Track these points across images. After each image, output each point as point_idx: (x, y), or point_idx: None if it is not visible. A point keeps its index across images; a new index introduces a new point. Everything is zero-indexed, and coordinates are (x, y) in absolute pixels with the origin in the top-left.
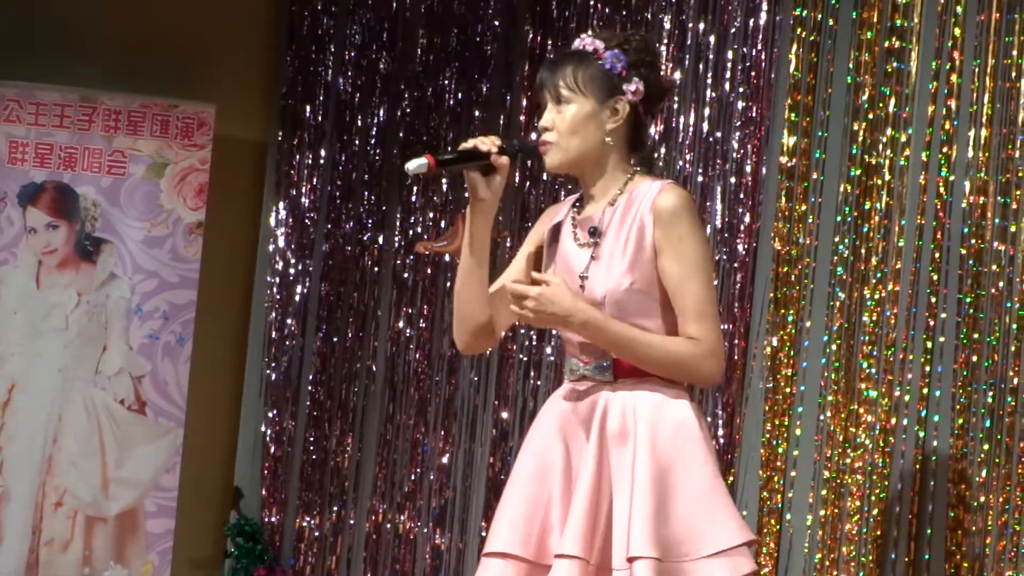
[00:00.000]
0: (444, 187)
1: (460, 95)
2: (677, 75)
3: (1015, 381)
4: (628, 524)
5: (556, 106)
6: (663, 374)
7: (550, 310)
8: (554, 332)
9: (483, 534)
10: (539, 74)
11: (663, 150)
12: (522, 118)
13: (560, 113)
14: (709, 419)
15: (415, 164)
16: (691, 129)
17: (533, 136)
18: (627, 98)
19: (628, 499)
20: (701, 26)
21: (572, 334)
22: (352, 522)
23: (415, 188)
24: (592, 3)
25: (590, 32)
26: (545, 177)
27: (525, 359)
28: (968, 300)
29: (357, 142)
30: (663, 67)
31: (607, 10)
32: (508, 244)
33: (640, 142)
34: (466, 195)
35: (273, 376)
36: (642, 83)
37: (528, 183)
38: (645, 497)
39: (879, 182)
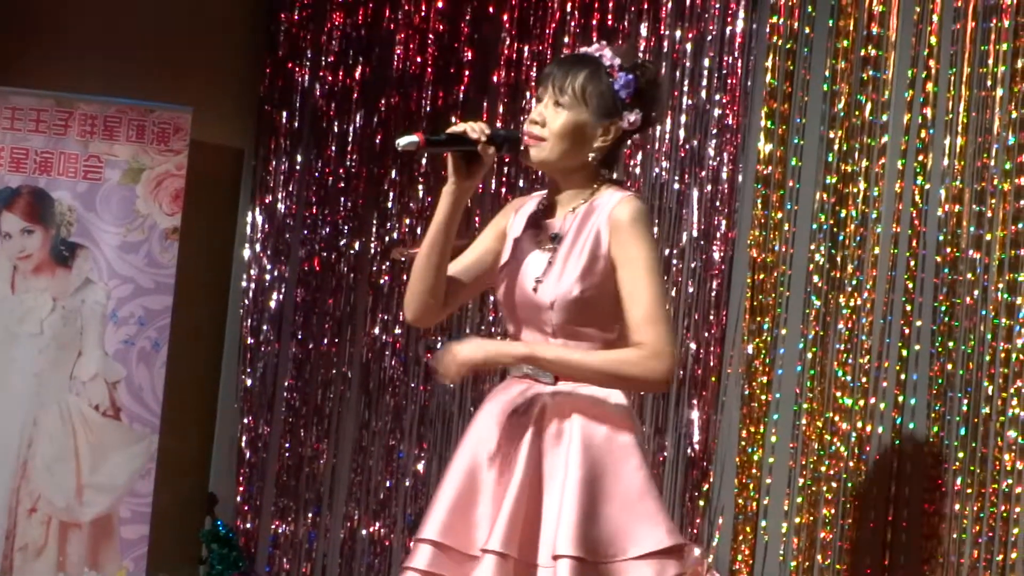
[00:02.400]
0: (420, 193)
1: (437, 102)
2: None
3: (990, 390)
4: (556, 524)
5: (555, 107)
6: (609, 387)
7: (491, 347)
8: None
9: None
10: (550, 66)
11: (639, 157)
12: (499, 124)
13: (556, 114)
14: (685, 426)
15: (406, 140)
16: (667, 136)
17: (522, 126)
18: (622, 124)
19: (558, 500)
20: (678, 33)
21: (519, 331)
22: (327, 528)
23: (391, 194)
24: (569, 11)
25: (609, 43)
26: (522, 184)
27: (501, 367)
28: (943, 308)
29: (333, 148)
30: (662, 103)
31: (583, 19)
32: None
33: (612, 163)
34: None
35: (249, 382)
36: (640, 115)
37: (504, 191)
38: (575, 498)
39: (855, 190)
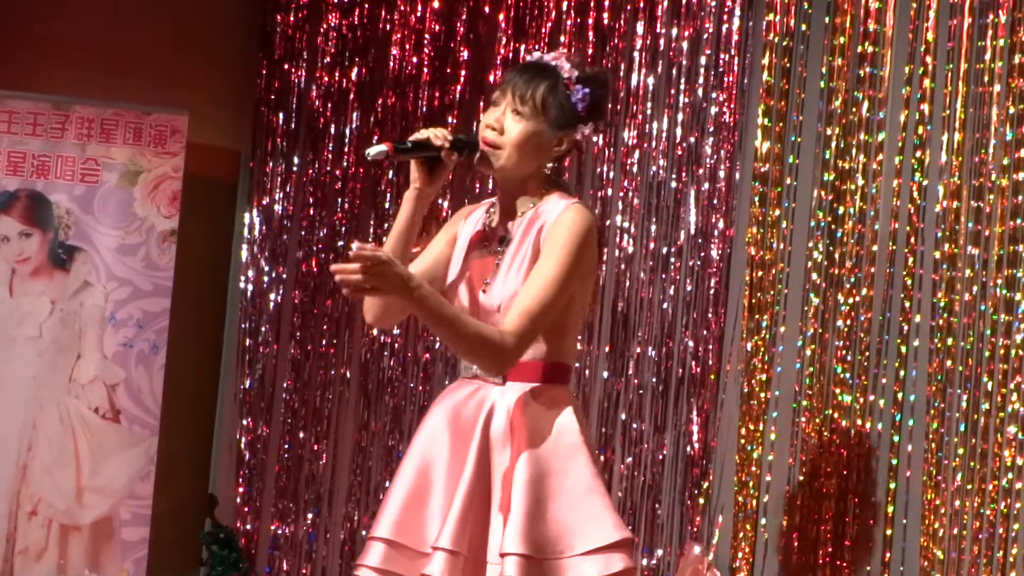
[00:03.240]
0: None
1: (433, 102)
2: (651, 80)
3: (989, 386)
4: (504, 521)
5: (514, 115)
6: (459, 354)
7: (396, 270)
8: None
9: None
10: (511, 73)
11: (637, 155)
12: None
13: (515, 124)
14: (684, 424)
15: (375, 150)
16: (664, 135)
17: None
18: (576, 137)
19: (507, 498)
20: (674, 31)
21: None
22: (327, 529)
23: (388, 195)
24: (565, 9)
25: (567, 54)
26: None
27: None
28: (942, 305)
29: (330, 149)
30: (606, 118)
31: (579, 18)
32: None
33: (559, 170)
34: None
35: (247, 384)
36: (592, 130)
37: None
38: (522, 497)
39: (852, 187)
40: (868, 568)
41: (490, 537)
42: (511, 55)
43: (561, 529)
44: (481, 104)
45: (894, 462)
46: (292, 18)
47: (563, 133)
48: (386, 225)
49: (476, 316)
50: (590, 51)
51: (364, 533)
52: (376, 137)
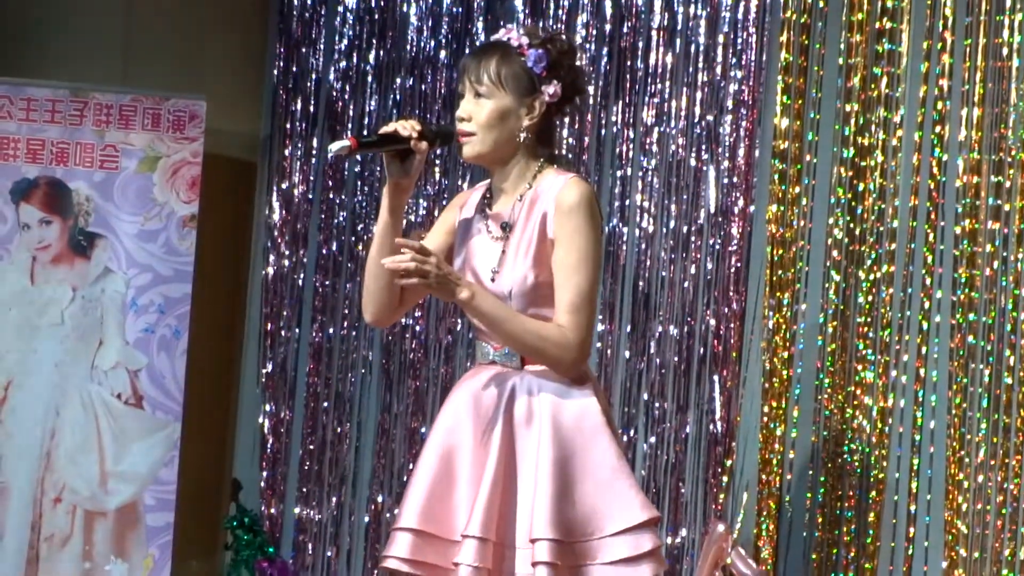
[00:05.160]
0: (437, 175)
1: (452, 83)
2: (668, 59)
3: (1011, 360)
4: (532, 506)
5: (475, 99)
6: (525, 355)
7: (445, 270)
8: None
9: None
10: (462, 61)
11: (656, 135)
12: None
13: (479, 106)
14: (707, 403)
15: (337, 146)
16: (683, 113)
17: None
18: (544, 98)
19: (532, 482)
20: (691, 9)
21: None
22: (352, 512)
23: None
24: None
25: (517, 26)
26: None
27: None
28: (963, 280)
29: (349, 132)
30: (581, 73)
31: None
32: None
33: (549, 140)
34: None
35: (270, 368)
36: (560, 85)
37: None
38: (548, 480)
39: (872, 163)
40: (892, 543)
41: (518, 522)
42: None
43: (589, 511)
44: None
45: (917, 438)
46: (309, 0)
47: (530, 99)
48: (406, 208)
49: None
50: (608, 29)
51: (388, 516)
52: (395, 116)
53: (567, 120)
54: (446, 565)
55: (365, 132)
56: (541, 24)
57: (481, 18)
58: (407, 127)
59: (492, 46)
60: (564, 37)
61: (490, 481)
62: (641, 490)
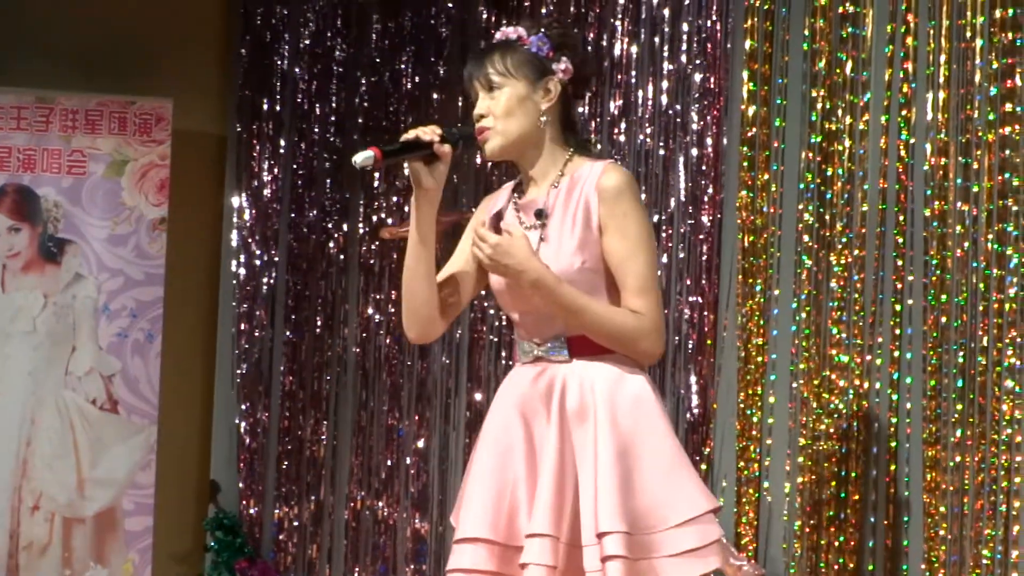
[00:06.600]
0: (406, 170)
1: (417, 79)
2: (634, 49)
3: (984, 340)
4: (595, 500)
5: (488, 93)
6: (606, 343)
7: (504, 261)
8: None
9: None
10: (466, 68)
11: (623, 125)
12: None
13: (494, 99)
14: (683, 391)
15: (362, 157)
16: (650, 103)
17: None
18: (558, 77)
19: (593, 476)
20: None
21: (522, 317)
22: (331, 510)
23: (376, 174)
24: None
25: (507, 26)
26: None
27: (496, 340)
28: (935, 262)
29: (316, 130)
30: (587, 49)
31: None
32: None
33: (572, 125)
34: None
35: (244, 368)
36: (569, 63)
37: (490, 163)
38: (610, 472)
39: (840, 148)
40: (872, 522)
41: (582, 518)
42: (493, 28)
43: (652, 502)
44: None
45: (894, 420)
46: None
47: (543, 81)
48: (376, 204)
49: (523, 294)
50: (571, 21)
51: (367, 513)
52: (361, 117)
53: None
54: (512, 572)
55: (383, 142)
56: (504, 21)
57: (444, 12)
58: (427, 132)
59: (492, 45)
60: (559, 21)
61: (550, 477)
62: (701, 479)
